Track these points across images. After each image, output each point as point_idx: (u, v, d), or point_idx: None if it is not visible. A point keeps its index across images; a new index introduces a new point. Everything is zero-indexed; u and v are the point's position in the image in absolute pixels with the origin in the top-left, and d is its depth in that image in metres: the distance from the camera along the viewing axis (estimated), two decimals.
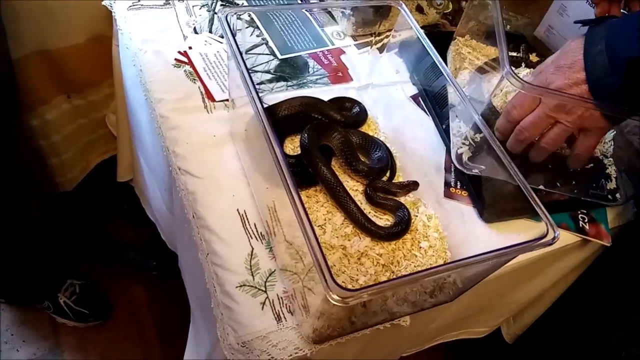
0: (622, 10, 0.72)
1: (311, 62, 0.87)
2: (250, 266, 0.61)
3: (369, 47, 0.91)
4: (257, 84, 0.82)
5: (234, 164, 0.70)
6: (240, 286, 0.59)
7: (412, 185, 0.71)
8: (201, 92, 0.77)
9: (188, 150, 0.70)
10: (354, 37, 0.93)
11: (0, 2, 0.85)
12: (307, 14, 0.94)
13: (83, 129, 1.13)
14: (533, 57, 0.92)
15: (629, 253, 0.80)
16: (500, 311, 0.93)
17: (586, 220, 0.77)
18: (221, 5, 0.91)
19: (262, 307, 0.58)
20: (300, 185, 0.68)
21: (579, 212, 0.77)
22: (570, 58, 0.63)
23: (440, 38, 0.85)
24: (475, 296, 0.73)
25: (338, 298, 0.42)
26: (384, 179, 0.73)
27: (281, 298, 0.59)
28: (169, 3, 0.89)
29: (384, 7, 0.84)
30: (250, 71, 0.83)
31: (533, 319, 0.97)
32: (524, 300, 0.89)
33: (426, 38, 0.69)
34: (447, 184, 0.74)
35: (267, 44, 0.87)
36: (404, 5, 0.73)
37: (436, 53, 0.69)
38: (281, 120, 0.73)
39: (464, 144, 0.73)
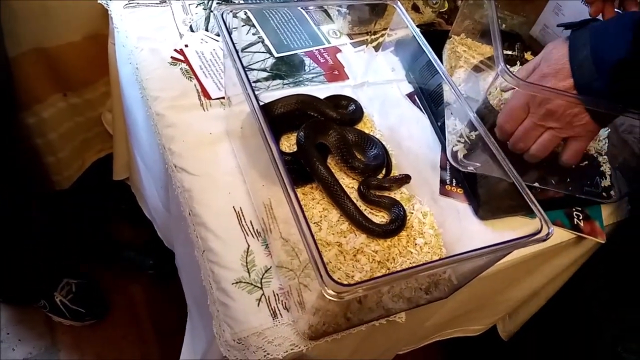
0: (616, 10, 0.73)
1: (307, 61, 0.87)
2: (246, 263, 0.61)
3: (365, 45, 0.91)
4: (253, 82, 0.82)
5: (230, 161, 0.70)
6: (236, 283, 0.59)
7: (405, 179, 0.71)
8: (197, 90, 0.77)
9: (184, 147, 0.70)
10: (349, 36, 0.93)
11: None
12: (303, 12, 0.94)
13: (79, 127, 1.13)
14: (528, 56, 0.93)
15: (624, 250, 0.81)
16: (496, 309, 0.94)
17: (581, 218, 0.77)
18: (217, 3, 0.91)
19: (258, 304, 0.58)
20: (296, 182, 0.68)
21: (574, 209, 0.78)
22: (554, 65, 0.64)
23: (436, 37, 0.85)
24: (471, 294, 0.73)
25: (333, 293, 0.42)
26: (380, 176, 0.73)
27: (277, 295, 0.59)
28: (165, 1, 0.89)
29: (379, 6, 0.85)
30: (246, 69, 0.83)
31: (528, 317, 0.98)
32: (519, 297, 0.90)
33: (422, 36, 0.70)
34: (442, 182, 0.75)
35: (263, 42, 0.87)
36: (399, 4, 0.73)
37: (432, 51, 0.69)
38: (277, 118, 0.73)
39: (459, 141, 0.73)
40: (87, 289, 1.30)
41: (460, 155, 0.73)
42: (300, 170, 0.68)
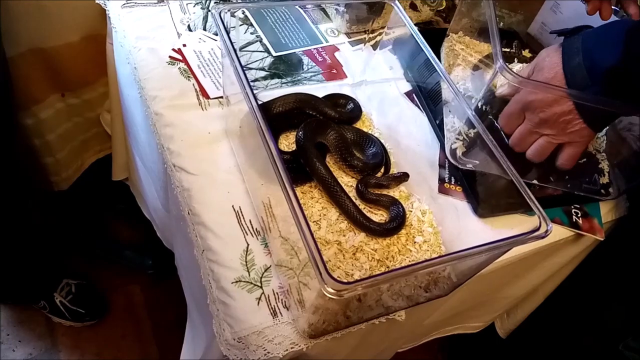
0: (613, 7, 0.73)
1: (305, 59, 0.87)
2: (246, 262, 0.61)
3: (363, 44, 0.91)
4: (252, 81, 0.82)
5: (228, 160, 0.70)
6: (236, 282, 0.59)
7: (403, 177, 0.71)
8: (195, 90, 0.77)
9: (183, 147, 0.70)
10: (347, 34, 0.93)
11: None
12: (301, 11, 0.94)
13: (77, 128, 1.13)
14: (526, 53, 0.93)
15: (622, 247, 0.81)
16: (495, 306, 0.94)
17: (579, 215, 0.77)
18: (215, 2, 0.91)
19: (258, 303, 0.58)
20: (295, 181, 0.68)
21: (573, 206, 0.78)
22: (547, 73, 0.65)
23: (434, 35, 0.85)
24: (470, 291, 0.73)
25: (333, 291, 0.42)
26: (378, 175, 0.73)
27: (277, 293, 0.59)
28: (163, 1, 0.89)
29: (377, 4, 0.85)
30: (244, 68, 0.83)
31: (527, 314, 0.98)
32: (518, 295, 0.90)
33: (420, 35, 0.70)
34: (441, 180, 0.75)
35: (261, 41, 0.87)
36: (397, 3, 0.73)
37: (430, 50, 0.69)
38: (276, 117, 0.73)
39: (457, 139, 0.73)
40: (86, 289, 1.30)
41: (459, 153, 0.73)
42: (299, 169, 0.68)
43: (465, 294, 0.72)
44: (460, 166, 0.72)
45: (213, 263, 0.61)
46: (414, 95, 0.86)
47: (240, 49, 0.85)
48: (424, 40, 0.70)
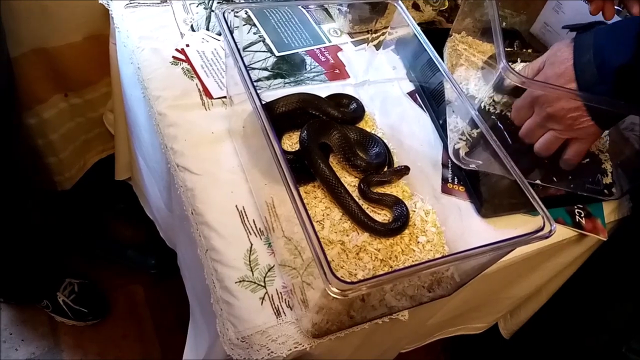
0: (616, 7, 0.73)
1: (308, 59, 0.87)
2: (250, 262, 0.61)
3: (366, 44, 0.91)
4: (255, 81, 0.82)
5: (232, 160, 0.70)
6: (240, 282, 0.59)
7: (404, 170, 0.71)
8: (199, 90, 0.77)
9: (186, 147, 0.70)
10: (350, 34, 0.93)
11: None
12: (304, 11, 0.94)
13: (80, 128, 1.13)
14: (528, 53, 0.93)
15: (625, 247, 0.81)
16: (498, 306, 0.94)
17: (582, 215, 0.77)
18: (218, 2, 0.91)
19: (262, 302, 0.58)
20: (299, 181, 0.68)
21: (576, 207, 0.78)
22: (557, 68, 0.64)
23: (436, 35, 0.85)
24: (473, 291, 0.73)
25: (337, 291, 0.42)
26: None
27: (280, 293, 0.59)
28: (166, 1, 0.89)
29: (380, 4, 0.85)
30: (248, 68, 0.83)
31: (530, 314, 0.98)
32: (521, 295, 0.90)
33: (423, 34, 0.70)
34: (444, 180, 0.75)
35: (264, 41, 0.87)
36: (400, 3, 0.73)
37: (433, 49, 0.69)
38: (279, 117, 0.73)
39: (460, 139, 0.74)
40: (89, 289, 1.30)
41: (462, 153, 0.73)
42: (302, 169, 0.68)
43: (468, 294, 0.72)
44: (463, 166, 0.72)
45: (216, 263, 0.61)
46: (416, 95, 0.86)
47: (244, 49, 0.85)
48: (427, 40, 0.70)
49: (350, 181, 0.71)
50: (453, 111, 0.76)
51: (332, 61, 0.88)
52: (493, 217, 0.72)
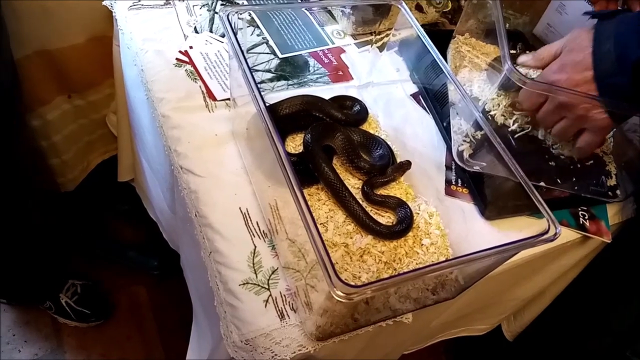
0: (620, 8, 0.72)
1: (311, 61, 0.87)
2: (253, 264, 0.61)
3: (369, 45, 0.91)
4: (258, 83, 0.82)
5: (235, 162, 0.70)
6: (244, 284, 0.59)
7: (406, 165, 0.71)
8: (202, 92, 0.77)
9: (190, 149, 0.70)
10: (354, 36, 0.93)
11: (0, 3, 0.85)
12: (307, 13, 0.94)
13: (83, 129, 1.13)
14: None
15: (630, 249, 0.81)
16: (501, 308, 0.94)
17: (586, 217, 0.77)
18: (221, 4, 0.91)
19: (265, 305, 0.58)
20: (302, 183, 0.68)
21: (580, 209, 0.78)
22: (575, 55, 0.62)
23: (440, 37, 0.85)
24: (477, 293, 0.73)
25: (342, 294, 0.42)
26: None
27: (284, 296, 0.59)
28: (170, 3, 0.89)
29: (383, 6, 0.85)
30: (251, 70, 0.83)
31: (533, 316, 0.98)
32: (524, 297, 0.90)
33: (426, 36, 0.70)
34: (447, 182, 0.75)
35: (267, 43, 0.87)
36: (404, 4, 0.73)
37: (436, 51, 0.69)
38: (282, 119, 0.73)
39: (464, 141, 0.73)
40: (92, 290, 1.30)
41: (466, 155, 0.73)
42: (306, 171, 0.68)
43: (472, 296, 0.72)
44: (467, 168, 0.72)
45: (220, 265, 0.61)
46: (420, 97, 0.86)
47: (247, 50, 0.85)
48: (430, 42, 0.70)
49: (354, 183, 0.71)
50: (457, 113, 0.76)
51: (336, 63, 0.88)
52: (497, 219, 0.72)
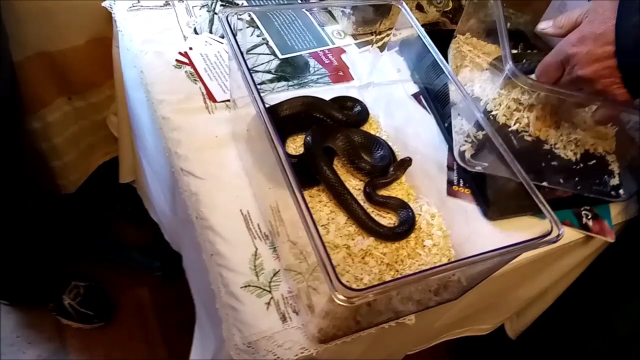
0: None
1: (312, 62, 0.87)
2: (255, 266, 0.61)
3: (370, 45, 0.91)
4: (258, 84, 0.82)
5: (236, 164, 0.70)
6: (245, 287, 0.59)
7: (407, 162, 0.71)
8: (202, 93, 0.77)
9: (190, 151, 0.70)
10: (354, 36, 0.93)
11: (0, 4, 0.85)
12: (307, 13, 0.93)
13: (84, 131, 1.13)
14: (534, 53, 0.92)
15: (633, 248, 0.80)
16: (504, 308, 0.94)
17: (589, 217, 0.77)
18: (221, 5, 0.91)
19: (267, 307, 0.58)
20: (303, 184, 0.68)
21: (583, 208, 0.77)
22: (596, 27, 0.58)
23: (441, 36, 0.85)
24: (480, 294, 0.73)
25: (344, 298, 0.42)
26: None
27: (286, 298, 0.59)
28: (169, 4, 0.89)
29: (384, 6, 0.84)
30: (251, 71, 0.83)
31: (537, 315, 0.97)
32: (527, 296, 0.89)
33: (427, 36, 0.69)
34: (449, 182, 0.74)
35: (267, 43, 0.87)
36: (404, 4, 0.73)
37: (437, 51, 0.69)
38: (283, 120, 0.73)
39: (466, 141, 0.73)
40: (94, 291, 1.30)
41: (467, 155, 0.72)
42: (306, 173, 0.68)
43: (475, 296, 0.72)
44: (469, 168, 0.72)
45: (222, 267, 0.61)
46: (421, 97, 0.86)
47: (247, 51, 0.85)
48: (431, 42, 0.69)
49: (355, 184, 0.71)
50: (458, 113, 0.75)
51: (336, 63, 0.87)
52: (500, 219, 0.71)
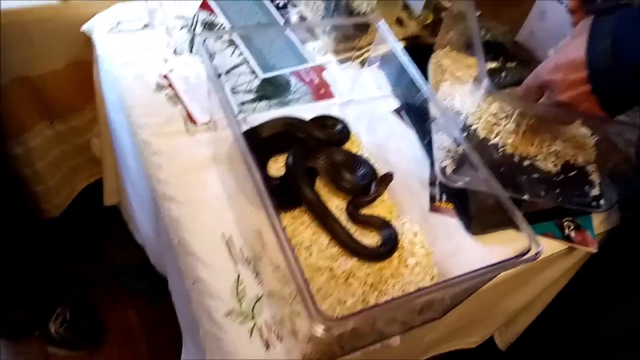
0: (619, 2, 0.71)
1: (293, 80, 0.87)
2: (237, 292, 0.60)
3: (350, 61, 0.91)
4: (240, 104, 0.82)
5: (218, 187, 0.70)
6: (228, 314, 0.58)
7: (389, 177, 0.71)
8: (183, 116, 0.77)
9: (171, 175, 0.69)
10: (335, 52, 0.93)
11: None
12: (288, 29, 0.93)
13: (66, 155, 1.12)
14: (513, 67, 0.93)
15: (615, 257, 0.81)
16: (491, 321, 0.94)
17: (572, 228, 0.77)
18: (201, 25, 0.91)
19: (250, 335, 0.57)
20: (286, 206, 0.68)
21: (565, 219, 0.77)
22: (570, 53, 0.59)
23: (421, 50, 0.85)
24: (465, 309, 0.72)
25: (322, 328, 0.41)
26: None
27: (269, 324, 0.58)
28: (148, 26, 0.88)
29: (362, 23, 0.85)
30: (232, 91, 0.83)
31: (525, 325, 0.97)
32: (514, 309, 0.89)
33: (404, 56, 0.70)
34: (432, 198, 0.74)
35: (248, 63, 0.87)
36: (382, 23, 0.73)
37: (415, 69, 0.69)
38: (264, 141, 0.73)
39: (447, 157, 0.73)
40: (81, 315, 1.28)
41: (448, 171, 0.73)
42: (289, 194, 0.67)
43: (461, 312, 0.71)
44: (450, 184, 0.72)
45: (204, 294, 0.60)
46: (402, 112, 0.86)
47: (227, 72, 0.85)
48: (408, 61, 0.70)
49: (337, 204, 0.71)
50: (439, 129, 0.76)
51: (317, 81, 0.87)
52: (482, 234, 0.71)
